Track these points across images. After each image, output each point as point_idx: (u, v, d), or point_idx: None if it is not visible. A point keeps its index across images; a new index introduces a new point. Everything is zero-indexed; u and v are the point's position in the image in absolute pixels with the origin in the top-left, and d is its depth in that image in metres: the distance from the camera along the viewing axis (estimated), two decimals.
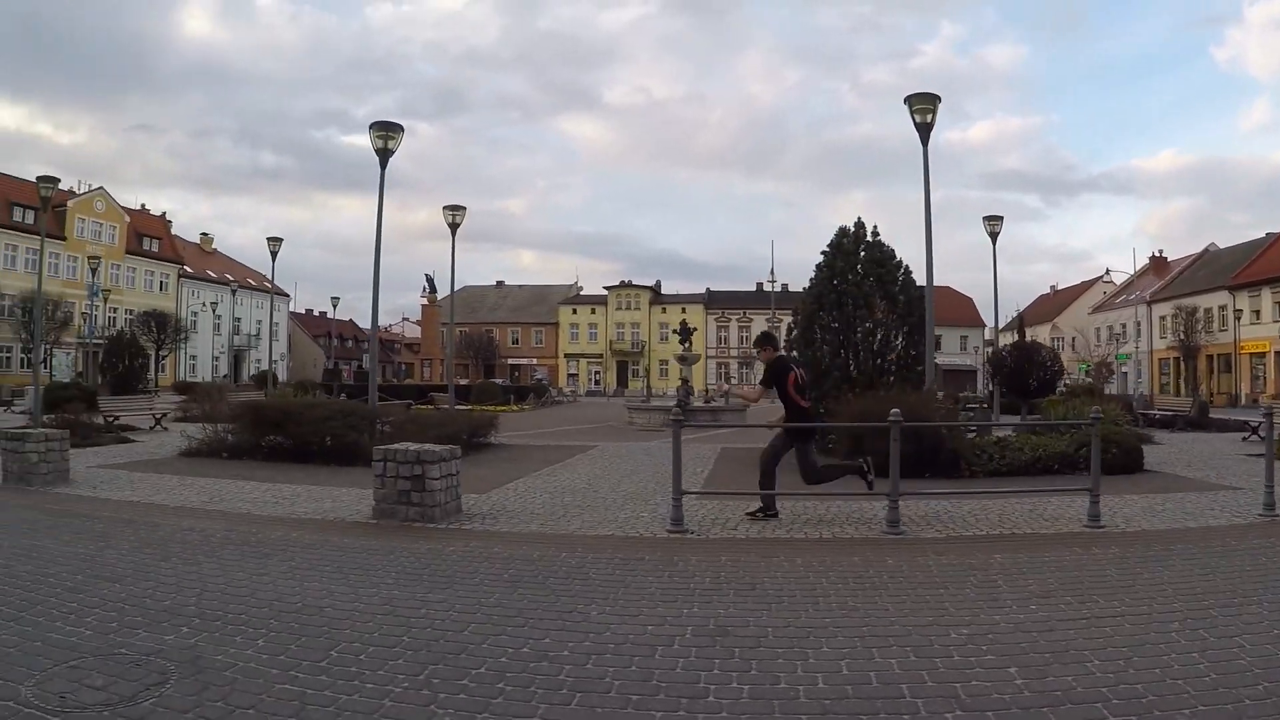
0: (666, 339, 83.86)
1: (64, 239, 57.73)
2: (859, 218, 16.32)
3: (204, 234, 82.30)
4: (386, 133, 15.60)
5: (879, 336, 15.28)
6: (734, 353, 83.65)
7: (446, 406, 21.89)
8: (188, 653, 4.48)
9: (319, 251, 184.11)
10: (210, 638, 4.76)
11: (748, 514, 8.84)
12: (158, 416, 22.11)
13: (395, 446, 8.63)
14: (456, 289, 68.95)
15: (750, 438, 19.62)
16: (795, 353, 16.40)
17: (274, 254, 31.51)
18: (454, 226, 22.54)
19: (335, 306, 60.64)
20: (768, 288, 74.74)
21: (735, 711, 3.76)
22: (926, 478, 10.76)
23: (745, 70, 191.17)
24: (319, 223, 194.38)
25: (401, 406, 18.76)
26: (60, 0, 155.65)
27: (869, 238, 15.94)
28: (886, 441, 11.09)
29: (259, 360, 75.12)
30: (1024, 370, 24.77)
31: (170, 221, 74.48)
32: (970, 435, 13.33)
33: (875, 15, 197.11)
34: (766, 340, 9.26)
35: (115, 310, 60.55)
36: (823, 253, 16.13)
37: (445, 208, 22.46)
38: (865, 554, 6.99)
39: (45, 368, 49.16)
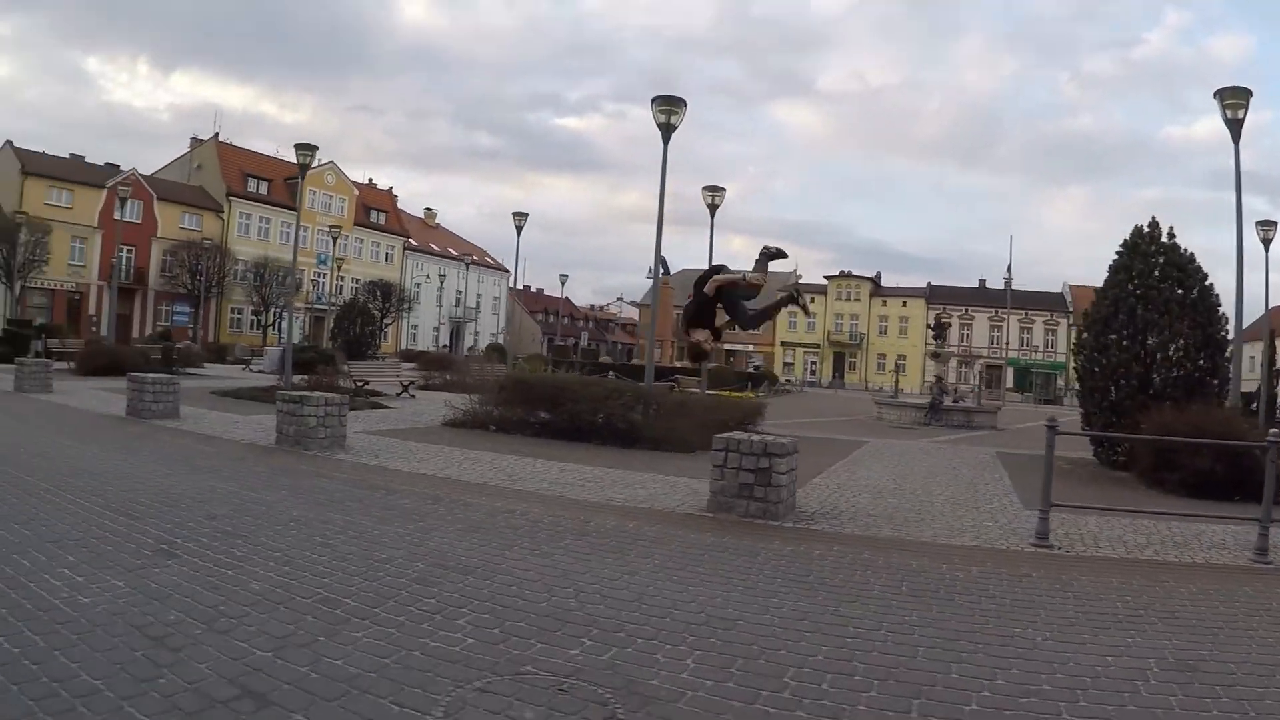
0: (885, 332, 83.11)
1: (296, 209, 61.68)
2: (1153, 217, 15.07)
3: (428, 209, 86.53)
4: (669, 107, 15.29)
5: (1177, 346, 13.99)
6: (955, 349, 79.96)
7: (694, 390, 21.23)
8: (611, 674, 3.88)
9: (531, 230, 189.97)
10: (623, 654, 4.16)
11: None
12: (405, 384, 22.79)
13: (737, 435, 8.22)
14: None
15: (1023, 441, 18.44)
16: (1083, 357, 14.99)
17: (519, 229, 32.25)
18: (713, 208, 22.13)
19: (564, 284, 62.02)
20: (990, 284, 71.59)
21: None
22: (1236, 500, 9.84)
23: (961, 57, 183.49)
24: (530, 202, 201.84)
25: (665, 388, 18.29)
26: None
27: (1164, 239, 14.64)
28: (1196, 459, 10.76)
29: (477, 333, 78.43)
30: None
31: (395, 196, 78.59)
32: None
33: (1097, 2, 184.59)
34: None
35: (343, 278, 64.33)
36: (1116, 253, 15.01)
37: (705, 188, 22.08)
38: (1255, 585, 6.50)
39: (275, 330, 53.27)
